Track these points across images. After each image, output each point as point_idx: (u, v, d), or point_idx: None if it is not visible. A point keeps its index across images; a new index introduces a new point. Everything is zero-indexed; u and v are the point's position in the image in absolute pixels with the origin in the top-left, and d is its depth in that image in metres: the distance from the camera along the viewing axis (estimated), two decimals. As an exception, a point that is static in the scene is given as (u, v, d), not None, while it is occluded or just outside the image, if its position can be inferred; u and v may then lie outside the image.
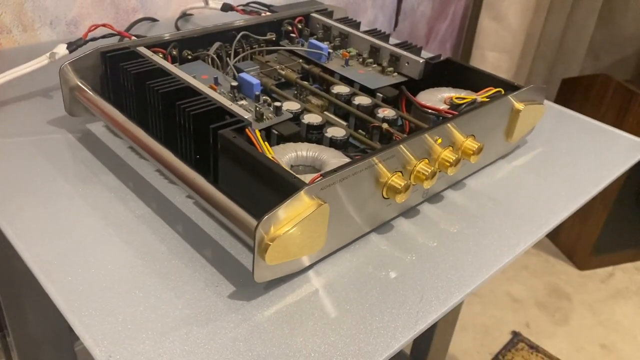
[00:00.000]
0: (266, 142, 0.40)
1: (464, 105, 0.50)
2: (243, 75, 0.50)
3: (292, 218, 0.35)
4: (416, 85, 0.56)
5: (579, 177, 0.53)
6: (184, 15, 0.79)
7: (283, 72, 0.57)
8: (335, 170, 0.37)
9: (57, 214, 0.41)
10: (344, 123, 0.51)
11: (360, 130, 0.50)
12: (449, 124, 0.44)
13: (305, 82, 0.55)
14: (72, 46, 0.54)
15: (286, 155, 0.42)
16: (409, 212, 0.46)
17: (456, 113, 0.48)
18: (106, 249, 0.39)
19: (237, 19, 0.60)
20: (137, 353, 0.32)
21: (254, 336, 0.33)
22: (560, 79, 1.46)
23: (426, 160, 0.43)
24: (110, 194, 0.44)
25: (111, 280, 0.36)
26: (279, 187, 0.36)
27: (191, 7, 0.77)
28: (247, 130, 0.40)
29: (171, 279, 0.37)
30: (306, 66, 0.58)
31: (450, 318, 0.81)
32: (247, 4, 0.85)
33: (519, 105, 0.51)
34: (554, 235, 1.48)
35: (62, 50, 0.53)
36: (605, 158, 0.56)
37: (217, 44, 0.56)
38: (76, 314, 0.34)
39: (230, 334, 0.33)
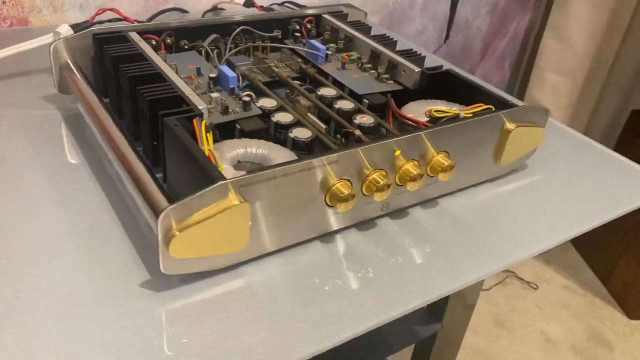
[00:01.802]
0: (210, 134, 0.39)
1: (444, 119, 0.47)
2: (222, 67, 0.49)
3: (206, 212, 0.34)
4: (410, 95, 0.53)
5: (571, 212, 0.48)
6: (214, 9, 0.80)
7: (276, 70, 0.56)
8: (262, 169, 0.35)
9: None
10: (324, 126, 0.49)
11: (338, 135, 0.49)
12: (411, 136, 0.42)
13: (296, 82, 0.54)
14: (77, 27, 0.56)
15: (234, 150, 0.41)
16: (364, 224, 0.43)
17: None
18: (34, 215, 0.39)
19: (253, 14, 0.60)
20: (20, 324, 0.32)
21: (147, 328, 0.33)
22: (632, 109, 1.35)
23: (383, 172, 0.41)
24: (65, 169, 0.45)
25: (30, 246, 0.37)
26: (201, 179, 0.35)
27: (221, 1, 0.78)
28: (194, 120, 0.40)
29: (90, 258, 0.37)
30: (304, 66, 0.57)
31: (454, 339, 0.76)
32: (282, 3, 0.85)
33: (510, 126, 0.47)
34: (606, 276, 1.37)
35: (65, 29, 0.55)
36: (610, 195, 0.51)
37: (212, 36, 0.56)
38: (-12, 279, 0.34)
39: (123, 322, 0.33)
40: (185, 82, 0.47)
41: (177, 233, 0.33)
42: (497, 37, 1.23)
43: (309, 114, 0.52)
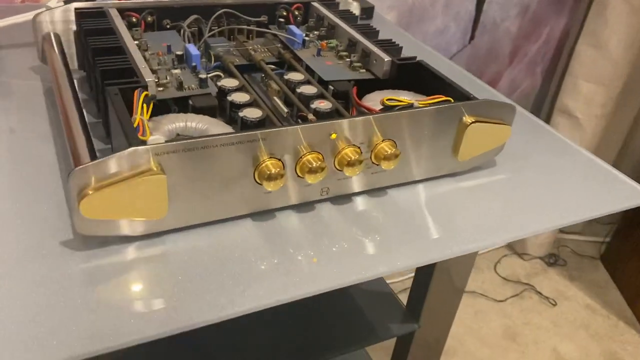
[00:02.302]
0: (145, 105, 0.40)
1: (396, 108, 0.46)
2: (188, 46, 0.50)
3: (120, 176, 0.35)
4: (380, 85, 0.52)
5: (521, 214, 0.46)
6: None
7: (253, 54, 0.56)
8: (182, 139, 0.36)
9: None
10: (286, 110, 0.50)
11: (299, 120, 0.49)
12: (347, 120, 0.41)
13: (269, 66, 0.55)
14: (69, 2, 0.59)
15: (175, 124, 0.42)
16: (303, 206, 0.43)
17: (381, 114, 0.44)
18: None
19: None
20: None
21: (56, 284, 0.34)
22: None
23: (319, 154, 0.41)
24: (33, 134, 0.47)
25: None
26: (124, 146, 0.36)
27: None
28: (135, 91, 0.41)
29: (15, 206, 0.39)
30: (282, 51, 0.57)
31: (434, 343, 0.75)
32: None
33: (468, 119, 0.46)
34: (634, 298, 1.30)
35: (57, 2, 0.58)
36: (576, 201, 0.48)
37: (192, 17, 0.57)
38: None
39: (34, 277, 0.34)
40: (148, 57, 0.48)
41: (89, 193, 0.34)
42: (529, 41, 1.19)
43: (275, 97, 0.52)
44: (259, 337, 0.65)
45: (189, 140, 0.36)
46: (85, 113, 0.44)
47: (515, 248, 1.44)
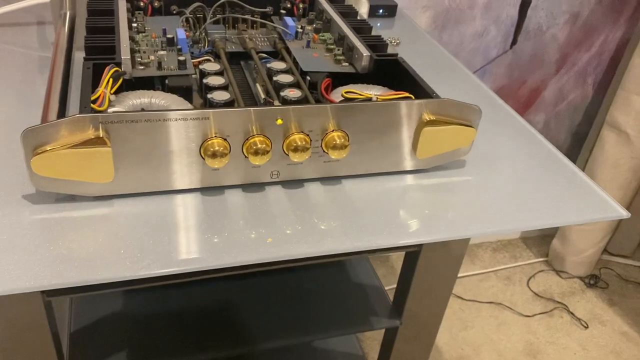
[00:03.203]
0: (112, 79, 0.44)
1: (356, 101, 0.47)
2: (178, 30, 0.54)
3: (69, 139, 0.39)
4: (360, 79, 0.54)
5: (476, 217, 0.46)
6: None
7: (247, 42, 0.59)
8: (133, 111, 0.40)
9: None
10: (262, 95, 0.52)
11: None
12: (292, 108, 0.43)
13: (261, 54, 0.58)
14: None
15: (140, 99, 0.45)
16: (252, 186, 0.46)
17: (337, 105, 0.46)
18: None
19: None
20: None
21: (7, 229, 0.39)
22: None
23: (265, 138, 0.43)
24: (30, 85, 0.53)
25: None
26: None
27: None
28: (106, 67, 0.45)
29: (-3, 168, 0.44)
30: (277, 42, 0.60)
31: (418, 347, 0.75)
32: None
33: (427, 117, 0.46)
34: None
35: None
36: (538, 208, 0.48)
37: (195, 4, 0.61)
38: None
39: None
40: (138, 39, 0.52)
41: (39, 152, 0.38)
42: (579, 50, 1.14)
43: (258, 84, 0.55)
44: (250, 313, 0.68)
45: (131, 112, 0.39)
46: (67, 85, 0.48)
47: (554, 264, 1.39)
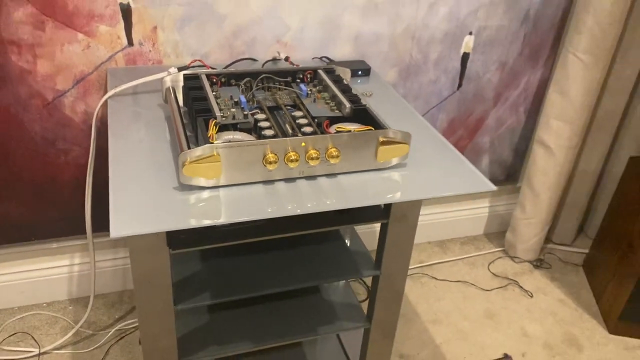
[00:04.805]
0: (214, 126, 0.84)
1: (343, 132, 0.87)
2: (240, 96, 0.95)
3: (201, 156, 0.78)
4: (345, 119, 0.94)
5: (401, 191, 0.85)
6: (273, 60, 1.26)
7: (278, 100, 1.00)
8: (229, 142, 0.80)
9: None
10: (290, 131, 0.92)
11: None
12: (309, 137, 0.83)
13: (287, 107, 0.98)
14: (181, 69, 1.05)
15: (229, 136, 0.85)
16: (289, 180, 0.85)
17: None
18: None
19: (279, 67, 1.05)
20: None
21: (162, 197, 0.78)
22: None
23: (296, 153, 0.83)
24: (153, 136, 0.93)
25: None
26: (202, 144, 0.80)
27: (274, 56, 1.24)
28: (210, 120, 0.85)
29: (151, 169, 0.84)
30: (296, 99, 1.01)
31: (392, 294, 1.12)
32: (321, 58, 1.29)
33: (381, 139, 0.86)
34: (600, 295, 1.60)
35: (174, 70, 1.04)
36: (439, 185, 0.87)
37: (246, 79, 1.02)
38: None
39: (152, 194, 0.79)
40: (219, 102, 0.93)
41: (187, 164, 0.78)
42: (509, 88, 1.55)
43: (287, 124, 0.95)
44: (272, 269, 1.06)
45: (231, 143, 0.79)
46: (185, 129, 0.88)
47: (509, 252, 1.77)
